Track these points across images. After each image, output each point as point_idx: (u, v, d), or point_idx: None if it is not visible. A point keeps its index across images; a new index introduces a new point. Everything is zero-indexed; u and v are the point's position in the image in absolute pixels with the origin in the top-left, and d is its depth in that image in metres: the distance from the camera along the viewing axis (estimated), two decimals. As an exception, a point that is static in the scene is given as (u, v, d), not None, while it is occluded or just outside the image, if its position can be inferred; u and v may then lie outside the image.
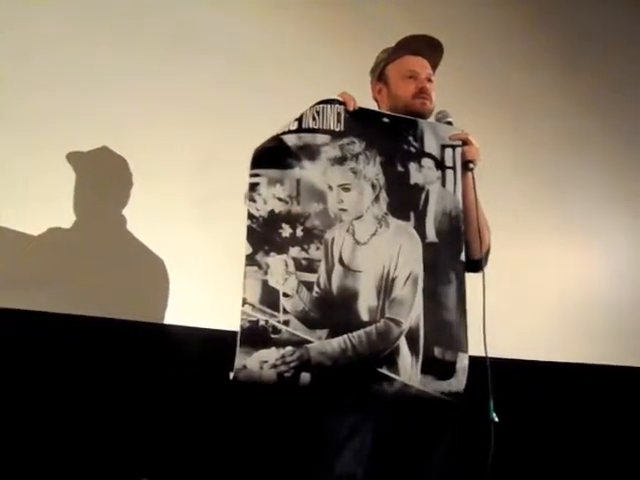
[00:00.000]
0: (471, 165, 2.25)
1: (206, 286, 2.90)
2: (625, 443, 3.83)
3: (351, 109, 2.17)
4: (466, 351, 2.09)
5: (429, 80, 2.39)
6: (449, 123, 2.31)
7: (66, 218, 2.86)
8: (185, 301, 2.95)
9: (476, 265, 2.24)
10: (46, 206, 2.82)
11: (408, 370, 2.04)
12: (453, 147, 2.26)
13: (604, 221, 4.24)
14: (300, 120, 2.14)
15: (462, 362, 2.08)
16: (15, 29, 2.92)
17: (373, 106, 2.41)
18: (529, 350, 3.71)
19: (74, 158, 2.90)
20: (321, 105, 2.17)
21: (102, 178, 2.99)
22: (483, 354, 2.05)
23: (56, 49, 2.97)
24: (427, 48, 2.41)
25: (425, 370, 2.05)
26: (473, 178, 2.25)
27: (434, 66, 2.44)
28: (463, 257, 2.17)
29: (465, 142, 2.27)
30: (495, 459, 1.94)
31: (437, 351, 2.07)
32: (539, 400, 3.66)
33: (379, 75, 2.46)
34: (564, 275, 4.00)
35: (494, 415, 2.00)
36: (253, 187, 2.07)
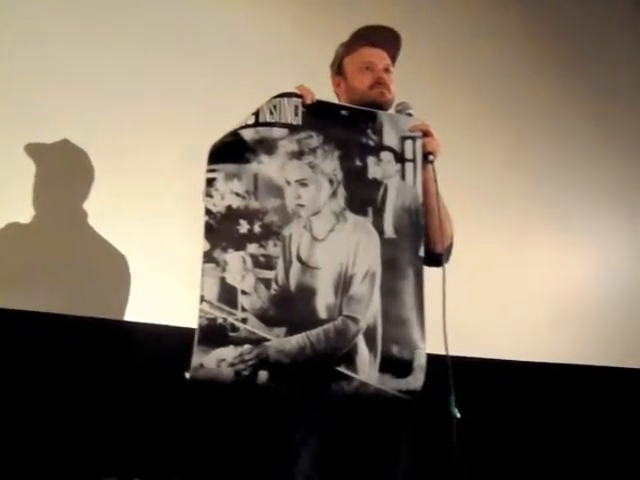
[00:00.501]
0: (431, 157, 2.22)
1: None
2: (609, 443, 3.89)
3: (309, 102, 2.14)
4: (424, 348, 2.09)
5: (387, 71, 2.36)
6: (409, 115, 2.28)
7: (47, 216, 2.81)
8: (174, 300, 2.91)
9: (439, 259, 2.21)
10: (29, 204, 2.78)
11: (366, 368, 2.03)
12: (413, 139, 2.23)
13: (599, 222, 4.28)
14: (257, 114, 2.10)
15: (420, 360, 2.07)
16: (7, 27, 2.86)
17: (334, 100, 2.38)
18: (521, 351, 3.73)
19: (60, 154, 2.86)
20: (278, 99, 2.13)
21: (87, 175, 2.90)
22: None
23: (48, 47, 2.91)
24: (385, 39, 2.38)
25: (383, 368, 2.04)
26: (434, 170, 2.22)
27: (393, 57, 2.41)
28: (422, 253, 2.15)
29: (425, 134, 2.23)
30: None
31: (395, 349, 2.06)
32: (525, 402, 3.71)
33: (337, 68, 2.43)
34: (558, 276, 4.04)
35: (456, 411, 2.01)
36: (210, 182, 2.03)
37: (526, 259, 3.94)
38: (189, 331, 1.97)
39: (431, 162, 2.22)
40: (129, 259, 2.89)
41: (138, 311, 2.90)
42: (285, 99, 2.13)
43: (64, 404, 2.69)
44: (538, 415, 3.74)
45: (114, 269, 2.91)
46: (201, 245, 2.00)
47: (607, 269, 4.25)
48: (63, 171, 2.90)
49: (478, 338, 3.51)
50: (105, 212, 2.87)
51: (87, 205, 2.86)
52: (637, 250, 4.37)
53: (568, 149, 4.26)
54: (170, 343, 2.73)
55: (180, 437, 2.81)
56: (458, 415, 1.99)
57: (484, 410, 3.39)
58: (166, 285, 2.93)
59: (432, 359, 2.08)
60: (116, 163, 2.93)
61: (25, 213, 2.77)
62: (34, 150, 2.80)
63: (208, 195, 2.02)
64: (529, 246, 3.98)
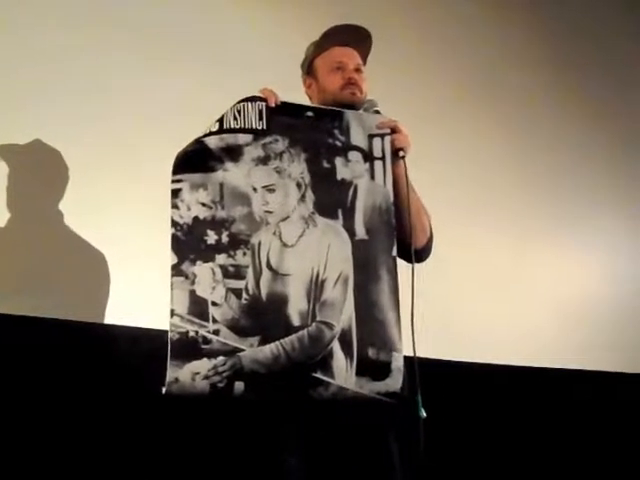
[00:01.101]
0: (402, 153, 2.18)
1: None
2: (616, 448, 3.88)
3: (272, 105, 2.10)
4: (400, 350, 2.06)
5: (358, 70, 2.33)
6: (377, 112, 2.25)
7: (37, 220, 2.83)
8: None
9: (419, 255, 2.20)
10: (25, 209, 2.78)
11: (343, 373, 2.00)
12: (381, 137, 2.19)
13: (605, 225, 4.25)
14: (221, 121, 2.07)
15: (397, 362, 2.04)
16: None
17: (306, 102, 2.34)
18: (526, 356, 3.71)
19: (53, 157, 2.85)
20: (242, 104, 2.10)
21: (89, 178, 2.89)
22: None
23: (48, 50, 2.90)
24: (355, 38, 2.35)
25: (360, 372, 2.01)
26: (405, 166, 2.19)
27: (364, 56, 2.38)
28: (395, 252, 2.12)
29: (394, 130, 2.19)
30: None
31: (371, 352, 2.03)
32: (531, 407, 3.70)
33: (308, 68, 2.40)
34: (563, 280, 4.01)
35: (423, 411, 1.99)
36: (175, 193, 2.01)
37: (531, 263, 3.92)
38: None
39: (402, 158, 2.19)
40: (118, 262, 2.89)
41: (132, 315, 2.90)
42: (249, 103, 2.10)
43: (49, 410, 2.69)
44: (544, 420, 3.73)
45: (103, 273, 2.90)
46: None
47: (613, 273, 4.22)
48: (55, 175, 2.87)
49: (482, 343, 3.50)
50: (97, 215, 2.87)
51: (78, 209, 2.85)
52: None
53: (571, 151, 4.23)
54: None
55: (165, 449, 2.81)
56: (424, 415, 1.98)
57: (489, 415, 3.44)
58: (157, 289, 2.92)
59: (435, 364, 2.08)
60: (109, 167, 2.93)
61: (17, 217, 2.78)
62: (25, 153, 2.81)
63: (174, 207, 2.01)
64: (534, 249, 3.96)
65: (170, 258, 1.98)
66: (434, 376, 2.12)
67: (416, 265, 2.12)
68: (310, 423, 2.05)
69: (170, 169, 2.05)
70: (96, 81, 2.99)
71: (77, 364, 2.76)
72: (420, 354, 2.01)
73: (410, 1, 3.90)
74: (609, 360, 3.98)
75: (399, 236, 2.14)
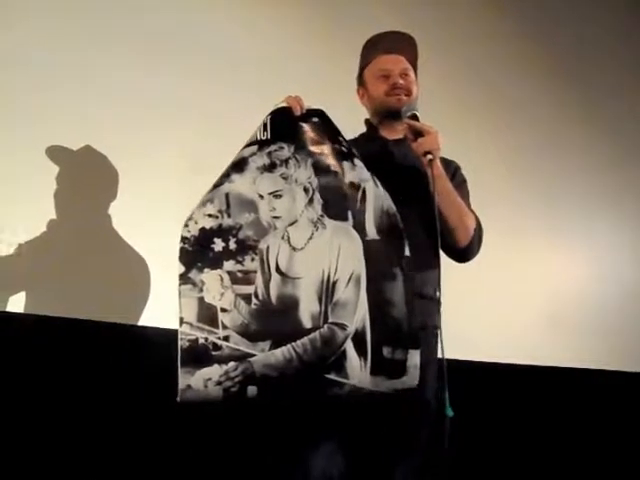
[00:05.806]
0: (429, 156, 2.10)
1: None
2: (606, 447, 3.75)
3: (298, 114, 2.10)
4: (418, 347, 2.01)
5: (405, 75, 2.32)
6: (414, 115, 2.17)
7: (50, 220, 2.87)
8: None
9: (462, 254, 2.22)
10: (34, 207, 2.84)
11: (357, 373, 1.98)
12: None
13: (596, 223, 4.15)
14: None
15: (413, 359, 1.99)
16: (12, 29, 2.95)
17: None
18: (516, 354, 3.64)
19: (62, 159, 2.89)
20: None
21: (91, 180, 2.97)
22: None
23: (44, 50, 2.96)
24: (399, 43, 2.37)
25: (375, 371, 1.98)
26: (437, 168, 2.12)
27: (411, 60, 2.37)
28: (407, 252, 2.06)
29: (420, 133, 2.13)
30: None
31: (386, 351, 2.00)
32: (521, 406, 3.63)
33: (359, 81, 2.43)
34: (554, 278, 3.93)
35: (450, 410, 1.92)
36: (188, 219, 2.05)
37: (522, 261, 3.83)
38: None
39: (430, 161, 2.11)
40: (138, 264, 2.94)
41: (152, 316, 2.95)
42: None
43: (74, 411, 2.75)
44: (534, 419, 3.64)
45: (125, 274, 2.98)
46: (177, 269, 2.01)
47: (604, 271, 4.10)
48: (74, 176, 2.94)
49: (473, 341, 3.44)
50: (117, 216, 2.94)
51: (99, 210, 2.92)
52: (634, 251, 4.21)
53: (564, 150, 4.13)
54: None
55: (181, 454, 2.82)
56: (451, 414, 1.91)
57: (479, 414, 3.34)
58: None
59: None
60: (123, 166, 2.98)
61: (41, 217, 2.85)
62: (38, 154, 2.86)
63: (185, 226, 2.04)
64: (525, 248, 3.87)
65: (177, 268, 2.00)
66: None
67: None
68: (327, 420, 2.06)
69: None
70: (93, 78, 3.03)
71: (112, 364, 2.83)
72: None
73: (410, 2, 3.87)
74: (600, 358, 3.88)
75: (442, 235, 2.06)
